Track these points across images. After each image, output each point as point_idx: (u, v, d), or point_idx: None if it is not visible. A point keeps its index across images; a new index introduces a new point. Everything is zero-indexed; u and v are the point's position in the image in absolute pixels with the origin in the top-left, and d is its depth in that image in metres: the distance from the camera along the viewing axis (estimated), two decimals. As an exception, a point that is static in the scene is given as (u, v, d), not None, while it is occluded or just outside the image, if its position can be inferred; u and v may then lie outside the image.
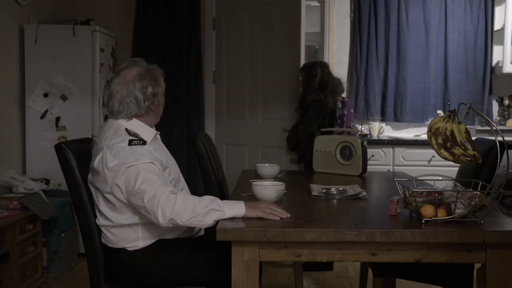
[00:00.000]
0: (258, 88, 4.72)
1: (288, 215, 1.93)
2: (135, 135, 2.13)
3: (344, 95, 4.20)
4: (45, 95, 4.31)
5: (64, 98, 4.32)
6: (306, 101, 4.03)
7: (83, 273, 3.93)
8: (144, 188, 1.97)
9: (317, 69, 4.07)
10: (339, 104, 4.06)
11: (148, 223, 2.10)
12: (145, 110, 2.22)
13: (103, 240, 2.19)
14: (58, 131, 4.32)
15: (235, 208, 1.94)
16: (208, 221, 1.93)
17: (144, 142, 2.11)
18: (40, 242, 3.69)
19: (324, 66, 4.13)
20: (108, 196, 2.08)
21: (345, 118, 4.09)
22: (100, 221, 2.16)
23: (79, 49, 4.32)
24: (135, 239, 2.13)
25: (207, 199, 1.96)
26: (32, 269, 3.56)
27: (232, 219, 1.92)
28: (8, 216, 3.32)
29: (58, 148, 2.15)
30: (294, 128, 4.10)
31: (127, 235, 2.13)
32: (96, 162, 2.08)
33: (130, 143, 2.08)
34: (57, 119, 4.33)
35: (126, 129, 2.14)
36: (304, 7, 4.32)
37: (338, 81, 4.17)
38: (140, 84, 2.20)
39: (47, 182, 4.11)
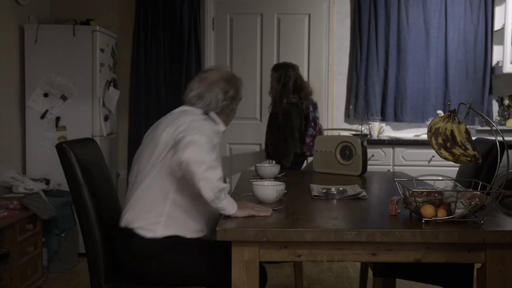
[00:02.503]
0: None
1: (271, 211, 2.00)
2: (210, 116, 2.26)
3: (313, 97, 4.28)
4: (45, 95, 4.31)
5: (64, 98, 4.32)
6: (282, 103, 4.06)
7: (83, 273, 3.93)
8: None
9: (290, 71, 4.12)
10: (311, 107, 4.15)
11: (174, 214, 2.10)
12: (220, 109, 2.30)
13: (122, 222, 2.15)
14: (58, 131, 4.32)
15: (231, 204, 1.98)
16: (218, 194, 1.97)
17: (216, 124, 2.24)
18: (40, 242, 3.69)
19: (296, 68, 4.18)
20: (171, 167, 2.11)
21: (317, 121, 4.21)
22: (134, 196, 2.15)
23: (79, 49, 4.32)
24: (156, 223, 2.11)
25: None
26: (32, 269, 3.56)
27: (232, 219, 1.92)
28: (8, 216, 3.32)
29: (60, 148, 2.15)
30: (277, 139, 4.09)
31: (150, 216, 2.12)
32: (165, 133, 2.13)
33: (206, 119, 2.22)
34: (57, 119, 4.33)
35: (203, 112, 2.27)
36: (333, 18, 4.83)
37: (308, 84, 4.24)
38: (225, 85, 2.31)
39: (47, 182, 4.11)
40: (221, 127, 2.30)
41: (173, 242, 2.14)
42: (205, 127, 2.14)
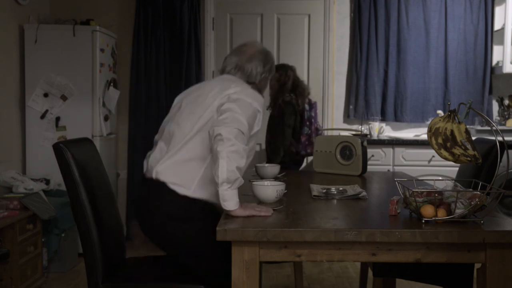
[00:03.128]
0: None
1: (271, 211, 1.99)
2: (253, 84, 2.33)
3: (311, 97, 4.33)
4: (45, 95, 4.31)
5: (64, 98, 4.33)
6: (278, 101, 4.16)
7: (83, 273, 3.93)
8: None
9: (289, 71, 4.22)
10: (307, 106, 4.20)
11: (207, 179, 2.13)
12: (258, 80, 2.37)
13: (155, 174, 2.17)
14: (58, 131, 4.33)
15: (234, 200, 1.97)
16: (231, 180, 1.97)
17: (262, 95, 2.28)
18: (40, 242, 3.69)
19: (293, 69, 4.29)
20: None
21: (313, 120, 4.23)
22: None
23: (79, 49, 4.32)
24: (191, 181, 2.14)
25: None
26: (32, 269, 3.56)
27: (233, 218, 1.92)
28: (8, 216, 3.32)
29: (57, 148, 2.15)
30: (275, 135, 4.17)
31: (187, 175, 2.14)
32: (213, 92, 2.19)
33: (253, 87, 2.28)
34: (57, 119, 4.33)
35: (247, 81, 2.31)
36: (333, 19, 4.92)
37: (304, 83, 4.32)
38: (263, 57, 2.38)
39: (47, 182, 4.11)
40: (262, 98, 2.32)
41: (205, 205, 2.17)
42: (252, 101, 2.16)
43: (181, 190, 2.14)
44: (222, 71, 2.40)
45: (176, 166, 2.16)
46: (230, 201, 1.96)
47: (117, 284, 2.20)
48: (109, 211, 2.36)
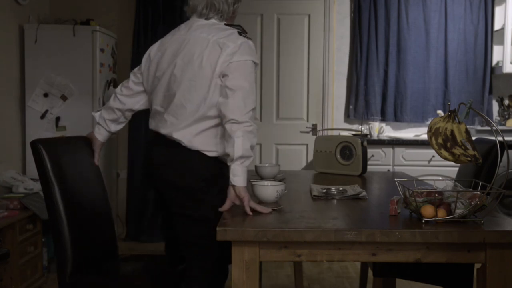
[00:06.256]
0: (271, 89, 5.07)
1: (270, 210, 2.01)
2: (238, 27, 2.20)
3: None
4: (45, 95, 4.31)
5: (64, 98, 4.33)
6: None
7: (83, 273, 3.93)
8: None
9: None
10: None
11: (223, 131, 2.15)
12: (232, 13, 2.27)
13: (186, 141, 2.16)
14: (58, 131, 4.32)
15: (244, 176, 2.04)
16: (246, 156, 2.04)
17: (249, 37, 2.17)
18: (40, 242, 3.70)
19: None
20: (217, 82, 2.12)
21: None
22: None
23: (79, 49, 4.32)
24: (216, 144, 2.17)
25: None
26: (32, 269, 3.56)
27: (232, 218, 1.93)
28: (8, 216, 3.32)
29: (33, 145, 2.18)
30: None
31: (208, 139, 2.17)
32: (206, 56, 2.11)
33: (240, 34, 2.15)
34: (57, 119, 4.33)
35: (226, 24, 2.21)
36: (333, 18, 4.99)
37: None
38: None
39: (47, 182, 4.11)
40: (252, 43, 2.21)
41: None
42: (252, 57, 2.11)
43: (211, 154, 2.18)
44: (193, 11, 2.25)
45: (199, 137, 2.16)
46: (240, 176, 2.03)
47: (82, 280, 2.21)
48: (93, 210, 2.37)
